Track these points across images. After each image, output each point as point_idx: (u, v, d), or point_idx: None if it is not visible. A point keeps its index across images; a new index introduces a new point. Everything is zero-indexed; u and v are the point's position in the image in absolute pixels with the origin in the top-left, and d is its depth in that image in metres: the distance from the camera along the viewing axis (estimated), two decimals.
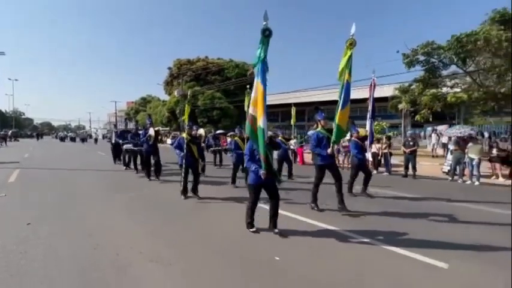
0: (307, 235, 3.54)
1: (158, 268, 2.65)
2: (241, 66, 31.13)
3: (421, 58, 10.36)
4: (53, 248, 3.06)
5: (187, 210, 4.65)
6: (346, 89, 4.14)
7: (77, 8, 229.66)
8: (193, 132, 5.75)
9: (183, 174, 5.40)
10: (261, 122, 3.32)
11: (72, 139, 37.95)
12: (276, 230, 3.53)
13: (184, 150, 5.39)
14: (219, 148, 11.34)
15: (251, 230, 3.59)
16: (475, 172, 7.53)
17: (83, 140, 33.57)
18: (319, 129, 4.78)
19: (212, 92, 27.51)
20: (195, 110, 27.23)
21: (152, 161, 7.62)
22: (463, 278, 2.62)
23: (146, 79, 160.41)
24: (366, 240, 3.42)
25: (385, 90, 16.18)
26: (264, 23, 3.17)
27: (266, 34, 3.20)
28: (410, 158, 8.49)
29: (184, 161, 5.37)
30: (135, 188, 6.47)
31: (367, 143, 6.26)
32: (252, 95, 3.42)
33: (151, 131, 7.58)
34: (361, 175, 5.91)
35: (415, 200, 5.64)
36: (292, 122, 11.29)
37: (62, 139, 38.11)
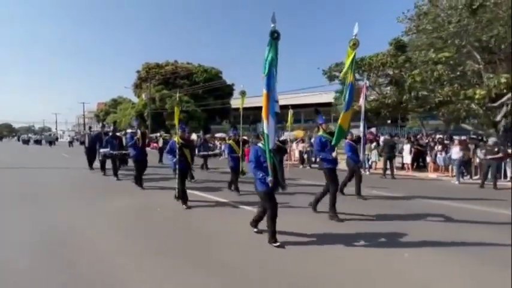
0: (313, 240, 3.63)
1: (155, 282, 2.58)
2: (210, 71, 32.94)
3: (337, 74, 12.98)
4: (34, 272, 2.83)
5: (186, 220, 4.55)
6: (350, 90, 4.15)
7: (37, 2, 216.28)
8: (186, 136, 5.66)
9: (178, 180, 5.25)
10: (265, 128, 3.29)
11: (37, 142, 36.80)
12: (255, 230, 3.70)
13: (177, 155, 5.24)
14: (210, 153, 11.33)
15: (275, 244, 3.42)
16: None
17: (50, 142, 32.87)
18: (321, 133, 4.78)
19: (180, 96, 29.01)
20: (162, 113, 28.60)
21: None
22: (468, 277, 2.68)
23: (118, 80, 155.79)
24: (366, 243, 3.52)
25: (324, 97, 18.96)
26: (272, 25, 3.08)
27: (274, 36, 3.12)
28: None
29: (177, 165, 5.24)
30: (123, 196, 6.16)
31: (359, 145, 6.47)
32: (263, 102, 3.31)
33: (138, 133, 7.23)
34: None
35: (400, 199, 6.16)
36: (289, 123, 10.94)
37: (25, 142, 36.93)
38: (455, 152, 9.30)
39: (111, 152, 8.40)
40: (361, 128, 6.82)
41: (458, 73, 9.72)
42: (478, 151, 8.34)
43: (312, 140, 12.08)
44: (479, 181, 8.21)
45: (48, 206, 5.43)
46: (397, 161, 11.14)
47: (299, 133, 15.52)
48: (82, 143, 12.13)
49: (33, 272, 2.84)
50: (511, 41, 8.25)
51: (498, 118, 10.90)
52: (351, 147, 6.09)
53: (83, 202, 5.79)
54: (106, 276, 2.73)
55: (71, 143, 30.96)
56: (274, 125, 3.33)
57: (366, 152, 11.24)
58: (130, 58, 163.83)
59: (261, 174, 3.40)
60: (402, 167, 11.70)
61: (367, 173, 10.84)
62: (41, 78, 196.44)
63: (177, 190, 5.42)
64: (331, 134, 4.64)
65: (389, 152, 9.52)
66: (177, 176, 5.30)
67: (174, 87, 31.12)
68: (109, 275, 2.74)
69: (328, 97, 14.94)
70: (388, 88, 12.27)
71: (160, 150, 12.84)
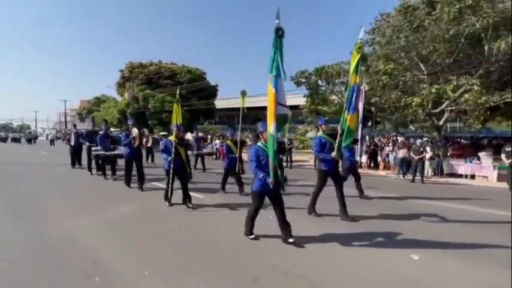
0: (309, 241, 3.61)
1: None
2: (194, 72, 33.71)
3: (303, 80, 14.28)
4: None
5: (178, 223, 4.49)
6: (356, 92, 4.25)
7: None
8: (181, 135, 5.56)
9: (168, 180, 5.23)
10: (271, 128, 3.24)
11: (16, 140, 36.35)
12: (291, 240, 3.49)
13: (172, 154, 5.13)
14: (204, 151, 11.05)
15: (250, 237, 3.61)
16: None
17: (30, 140, 32.41)
18: (320, 134, 4.88)
19: (163, 96, 29.70)
20: (145, 112, 29.17)
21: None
22: (473, 278, 2.74)
23: (102, 79, 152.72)
24: (368, 243, 3.60)
25: (294, 100, 20.27)
26: (277, 21, 3.02)
27: (279, 34, 3.07)
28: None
29: (171, 165, 5.14)
30: (114, 198, 6.03)
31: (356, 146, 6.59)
32: (268, 99, 3.30)
33: (135, 132, 6.97)
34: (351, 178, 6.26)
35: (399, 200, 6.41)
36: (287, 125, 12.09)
37: (3, 140, 36.39)
38: (399, 152, 10.77)
39: (105, 152, 8.04)
40: (359, 131, 7.71)
41: (400, 83, 11.18)
42: (411, 152, 9.78)
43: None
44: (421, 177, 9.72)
45: (38, 210, 5.10)
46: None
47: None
48: (68, 141, 11.71)
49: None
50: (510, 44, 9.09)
51: (441, 123, 12.51)
52: (348, 148, 6.15)
53: (74, 204, 5.58)
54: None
55: (52, 141, 30.87)
56: (277, 126, 3.29)
57: None
58: (115, 56, 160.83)
59: (261, 175, 3.41)
60: (360, 166, 13.18)
61: None
62: (21, 75, 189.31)
63: (166, 189, 5.31)
64: (331, 135, 4.74)
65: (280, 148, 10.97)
66: (170, 175, 5.18)
67: (158, 87, 31.72)
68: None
69: (297, 100, 16.24)
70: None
71: (149, 150, 12.60)
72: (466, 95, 9.69)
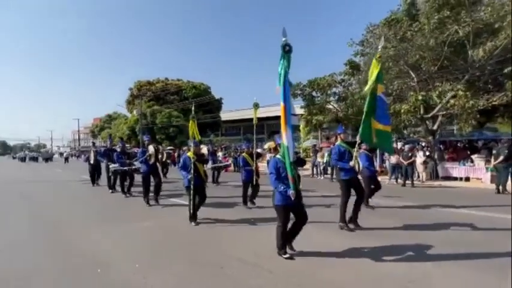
0: (327, 254, 3.58)
1: None
2: (199, 87, 35.14)
3: (298, 92, 14.99)
4: None
5: (200, 240, 4.38)
6: (383, 102, 4.30)
7: (38, 18, 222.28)
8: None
9: (190, 197, 5.11)
10: (284, 139, 3.31)
11: (34, 159, 38.15)
12: (286, 256, 3.48)
13: (192, 171, 5.09)
14: (220, 165, 11.13)
15: (284, 256, 3.46)
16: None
17: (47, 159, 34.10)
18: (339, 142, 4.85)
19: (170, 111, 31.04)
20: (153, 127, 30.49)
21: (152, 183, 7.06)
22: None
23: (115, 97, 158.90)
24: (390, 258, 3.46)
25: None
26: (284, 39, 3.18)
27: (286, 50, 3.23)
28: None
29: (191, 182, 5.07)
30: (134, 216, 6.01)
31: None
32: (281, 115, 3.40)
33: (151, 149, 7.03)
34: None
35: (417, 208, 6.25)
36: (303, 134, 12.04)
37: (23, 159, 38.36)
38: (392, 158, 11.17)
39: (122, 168, 8.20)
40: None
41: (389, 91, 11.69)
42: (400, 157, 10.18)
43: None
44: (417, 181, 10.11)
45: (63, 230, 5.19)
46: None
47: (271, 144, 17.41)
48: (87, 159, 11.72)
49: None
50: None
51: (435, 127, 12.84)
52: (367, 157, 6.17)
53: (95, 222, 5.61)
54: None
55: (66, 159, 32.49)
56: (292, 137, 3.36)
57: (319, 159, 13.16)
58: (126, 74, 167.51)
59: (282, 187, 3.37)
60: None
61: (322, 177, 12.66)
62: (37, 95, 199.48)
63: (190, 209, 5.15)
64: (350, 143, 4.78)
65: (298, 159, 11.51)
66: (191, 193, 5.09)
67: (165, 103, 33.19)
68: None
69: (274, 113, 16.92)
70: (342, 104, 14.27)
71: (164, 165, 12.78)
72: (452, 101, 10.09)
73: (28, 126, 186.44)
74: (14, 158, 49.70)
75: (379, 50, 4.31)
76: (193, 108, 6.36)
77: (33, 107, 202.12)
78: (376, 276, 3.05)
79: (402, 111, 10.81)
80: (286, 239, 3.53)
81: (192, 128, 5.68)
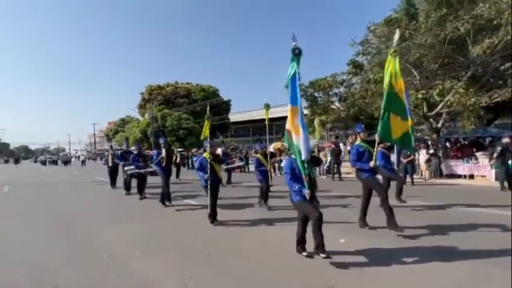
0: (356, 256, 3.50)
1: None
2: (207, 89, 36.01)
3: (301, 93, 15.32)
4: None
5: (217, 242, 4.35)
6: (407, 98, 4.18)
7: (49, 26, 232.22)
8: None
9: (209, 197, 5.24)
10: (294, 140, 3.40)
11: (54, 162, 40.21)
12: (305, 254, 3.50)
13: (208, 171, 5.20)
14: (233, 166, 11.25)
15: (323, 256, 3.39)
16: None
17: (65, 162, 35.54)
18: (358, 142, 4.70)
19: (179, 114, 32.01)
20: (164, 130, 31.53)
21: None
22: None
23: (129, 101, 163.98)
24: (417, 259, 3.36)
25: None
26: (294, 43, 3.28)
27: (296, 53, 3.33)
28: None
29: (209, 182, 5.19)
30: (149, 216, 6.26)
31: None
32: (288, 116, 3.48)
33: (163, 152, 7.21)
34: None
35: (437, 209, 6.04)
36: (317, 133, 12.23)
37: (43, 163, 40.58)
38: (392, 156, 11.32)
39: (138, 170, 8.34)
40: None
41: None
42: (401, 156, 10.31)
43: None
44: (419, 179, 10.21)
45: (78, 229, 5.48)
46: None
47: (276, 145, 17.81)
48: (105, 162, 12.07)
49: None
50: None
51: (439, 125, 12.83)
52: (383, 155, 6.00)
53: (111, 223, 5.76)
54: None
55: (83, 162, 34.14)
56: (306, 137, 3.40)
57: (322, 158, 13.39)
58: (138, 79, 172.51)
59: (297, 186, 3.42)
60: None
61: (325, 177, 12.93)
62: (55, 99, 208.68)
63: (209, 208, 5.28)
64: (370, 143, 4.61)
65: (335, 158, 11.65)
66: (208, 193, 5.25)
67: (175, 106, 34.27)
68: None
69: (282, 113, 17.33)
70: (344, 104, 14.49)
71: (177, 166, 13.08)
72: (452, 98, 10.14)
73: (48, 130, 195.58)
74: (35, 162, 52.58)
75: (394, 44, 4.15)
76: (208, 108, 6.49)
77: (52, 111, 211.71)
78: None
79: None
80: (321, 236, 3.41)
81: (207, 128, 5.86)
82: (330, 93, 14.18)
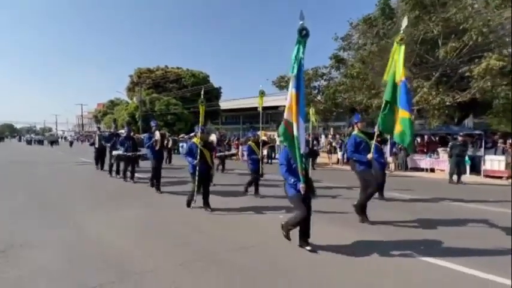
0: (340, 249, 3.47)
1: None
2: (198, 75, 35.97)
3: (284, 84, 15.88)
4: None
5: (204, 228, 4.34)
6: (406, 88, 3.93)
7: (44, 6, 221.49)
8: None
9: (195, 183, 5.18)
10: (295, 130, 3.13)
11: (40, 142, 39.73)
12: (308, 248, 3.40)
13: (198, 157, 5.11)
14: (226, 153, 11.22)
15: (307, 248, 3.41)
16: None
17: (52, 143, 35.43)
18: (355, 132, 4.62)
19: (169, 99, 32.13)
20: (152, 114, 31.70)
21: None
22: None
23: (118, 82, 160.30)
24: (406, 252, 3.39)
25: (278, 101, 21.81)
26: (301, 22, 3.04)
27: (303, 34, 3.07)
28: None
29: (197, 168, 5.09)
30: (137, 201, 6.07)
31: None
32: (287, 102, 3.24)
33: (157, 135, 7.01)
34: None
35: (423, 202, 6.35)
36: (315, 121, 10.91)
37: (29, 142, 40.13)
38: None
39: (125, 153, 8.18)
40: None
41: (364, 85, 12.56)
42: None
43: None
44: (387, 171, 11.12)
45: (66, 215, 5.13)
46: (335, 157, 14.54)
47: (262, 134, 18.52)
48: (92, 144, 11.96)
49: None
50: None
51: None
52: (376, 148, 5.80)
53: (96, 209, 5.52)
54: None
55: (71, 143, 34.02)
56: (304, 128, 3.22)
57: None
58: (129, 60, 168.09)
59: (292, 180, 3.30)
60: (337, 162, 14.76)
61: None
62: (43, 78, 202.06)
63: (191, 193, 5.26)
64: (367, 134, 4.53)
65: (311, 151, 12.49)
66: (195, 179, 5.17)
67: (164, 91, 34.24)
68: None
69: (279, 102, 17.87)
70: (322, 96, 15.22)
71: (169, 151, 13.13)
72: (417, 97, 10.94)
73: (34, 109, 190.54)
74: (19, 140, 51.73)
75: (402, 32, 3.85)
76: (202, 92, 6.23)
77: (39, 90, 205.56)
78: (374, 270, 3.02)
79: (374, 105, 11.70)
80: (307, 229, 3.46)
81: (202, 113, 5.61)
82: (311, 85, 14.80)
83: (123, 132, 9.64)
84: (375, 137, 4.36)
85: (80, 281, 2.78)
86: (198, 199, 5.35)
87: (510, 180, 9.60)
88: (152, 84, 34.62)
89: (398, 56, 3.87)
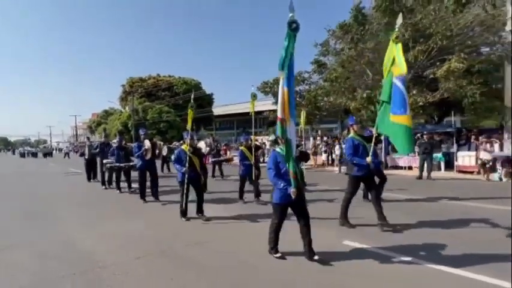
0: (339, 257, 3.32)
1: None
2: (190, 82, 36.67)
3: (268, 89, 16.50)
4: None
5: (195, 238, 4.21)
6: (396, 87, 3.75)
7: (30, 15, 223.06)
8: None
9: (183, 192, 5.06)
10: (288, 132, 3.01)
11: (33, 154, 39.81)
12: (316, 257, 3.22)
13: (186, 164, 4.99)
14: (221, 158, 11.14)
15: (276, 255, 3.34)
16: None
17: (46, 155, 35.81)
18: (352, 135, 4.57)
19: (161, 107, 32.72)
20: (145, 122, 32.23)
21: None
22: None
23: (112, 93, 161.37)
24: (407, 259, 3.27)
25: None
26: (291, 14, 2.85)
27: (293, 27, 2.88)
28: None
29: (186, 176, 4.99)
30: (130, 212, 5.96)
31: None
32: (279, 100, 3.07)
33: (147, 144, 6.85)
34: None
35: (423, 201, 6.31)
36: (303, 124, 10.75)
37: (22, 155, 40.27)
38: (336, 149, 12.78)
39: (118, 164, 7.99)
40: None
41: (342, 89, 13.21)
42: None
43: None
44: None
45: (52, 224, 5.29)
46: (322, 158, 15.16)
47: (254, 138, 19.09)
48: (82, 154, 11.54)
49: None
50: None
51: None
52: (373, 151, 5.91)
53: (86, 220, 5.47)
54: None
55: (67, 154, 34.18)
56: (294, 129, 3.12)
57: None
58: (122, 69, 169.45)
59: (282, 184, 3.19)
60: (322, 164, 15.34)
61: None
62: (36, 91, 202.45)
63: (181, 204, 5.13)
64: (363, 137, 4.51)
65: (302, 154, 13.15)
66: (184, 188, 5.05)
67: (157, 99, 34.90)
68: None
69: (264, 107, 18.83)
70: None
71: (164, 159, 13.04)
72: None
73: (28, 122, 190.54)
74: (13, 154, 51.85)
75: (397, 29, 3.87)
76: (192, 97, 6.25)
77: (33, 104, 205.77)
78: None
79: (351, 108, 12.32)
80: (278, 237, 3.42)
81: (190, 117, 5.49)
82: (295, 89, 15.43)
83: (114, 142, 9.42)
84: (374, 139, 4.29)
85: (45, 274, 3.15)
86: (191, 208, 5.20)
87: (482, 175, 10.08)
88: (144, 92, 35.27)
89: (396, 54, 3.79)
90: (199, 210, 5.19)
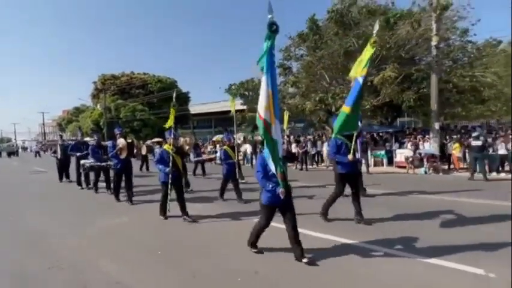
0: (325, 253, 3.46)
1: None
2: (165, 81, 36.88)
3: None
4: None
5: (178, 236, 4.32)
6: (360, 85, 4.19)
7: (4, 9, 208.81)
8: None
9: (163, 192, 5.09)
10: (273, 132, 3.08)
11: None
12: (305, 260, 3.24)
13: (170, 164, 4.99)
14: (204, 158, 11.29)
15: (253, 250, 3.52)
16: None
17: (10, 154, 34.45)
18: (335, 134, 4.79)
19: (134, 105, 32.79)
20: (118, 121, 32.16)
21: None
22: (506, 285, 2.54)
23: (86, 87, 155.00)
24: (387, 251, 3.44)
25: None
26: (270, 16, 2.94)
27: (273, 29, 2.98)
28: None
29: (169, 177, 5.00)
30: (107, 213, 5.89)
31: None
32: (261, 100, 3.12)
33: (122, 142, 6.73)
34: None
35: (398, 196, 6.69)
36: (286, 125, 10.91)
37: None
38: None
39: (98, 163, 7.83)
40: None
41: (301, 92, 14.64)
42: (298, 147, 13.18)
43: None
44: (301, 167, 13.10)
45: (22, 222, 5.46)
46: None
47: (218, 138, 20.08)
48: (54, 153, 10.98)
49: None
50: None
51: None
52: (348, 147, 6.01)
53: (68, 220, 5.51)
54: None
55: (38, 153, 32.83)
56: (280, 129, 3.20)
57: (247, 149, 15.93)
58: (95, 66, 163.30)
59: (270, 186, 3.26)
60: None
61: (250, 165, 15.52)
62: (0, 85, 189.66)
63: (161, 202, 5.20)
64: (347, 137, 4.69)
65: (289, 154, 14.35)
66: (167, 187, 5.07)
67: (130, 97, 34.81)
68: None
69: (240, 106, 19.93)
70: None
71: (144, 158, 13.06)
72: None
73: None
74: None
75: (374, 35, 4.28)
76: (174, 95, 6.16)
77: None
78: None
79: (307, 108, 13.75)
80: (259, 236, 3.57)
81: (172, 116, 5.52)
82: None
83: (89, 140, 9.46)
84: (354, 138, 4.65)
85: (21, 268, 3.34)
86: (172, 207, 5.28)
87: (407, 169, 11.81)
88: (117, 90, 35.05)
89: (367, 56, 4.24)
90: (184, 212, 5.17)
